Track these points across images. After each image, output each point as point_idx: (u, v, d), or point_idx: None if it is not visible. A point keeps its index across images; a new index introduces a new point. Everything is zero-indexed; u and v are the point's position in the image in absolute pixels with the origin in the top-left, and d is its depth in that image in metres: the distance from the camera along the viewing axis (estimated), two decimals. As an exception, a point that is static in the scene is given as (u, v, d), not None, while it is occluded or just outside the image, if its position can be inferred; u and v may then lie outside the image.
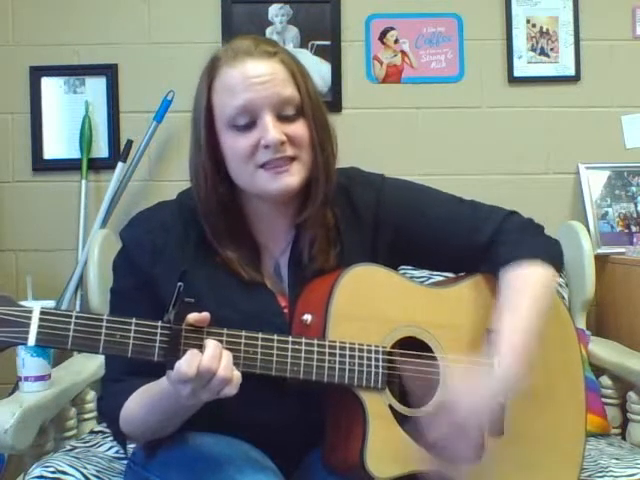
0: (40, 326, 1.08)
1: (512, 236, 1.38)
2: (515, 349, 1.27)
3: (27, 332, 1.08)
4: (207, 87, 1.30)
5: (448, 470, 1.27)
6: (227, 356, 1.13)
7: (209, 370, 1.10)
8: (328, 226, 1.36)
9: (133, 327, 1.12)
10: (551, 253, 1.39)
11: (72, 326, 1.10)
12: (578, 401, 1.43)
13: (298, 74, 1.31)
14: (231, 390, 1.13)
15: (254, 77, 1.26)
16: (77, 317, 1.10)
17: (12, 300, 1.10)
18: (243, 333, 1.18)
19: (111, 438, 1.76)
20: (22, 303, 1.11)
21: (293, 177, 1.28)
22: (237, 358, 1.16)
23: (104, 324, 1.11)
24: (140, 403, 1.26)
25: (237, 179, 1.31)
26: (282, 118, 1.28)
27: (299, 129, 1.29)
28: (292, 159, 1.28)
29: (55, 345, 1.11)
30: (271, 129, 1.25)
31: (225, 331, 1.17)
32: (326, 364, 1.22)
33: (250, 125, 1.27)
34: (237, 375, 1.13)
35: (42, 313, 1.09)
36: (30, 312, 1.09)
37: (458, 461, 1.24)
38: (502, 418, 1.34)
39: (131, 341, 1.12)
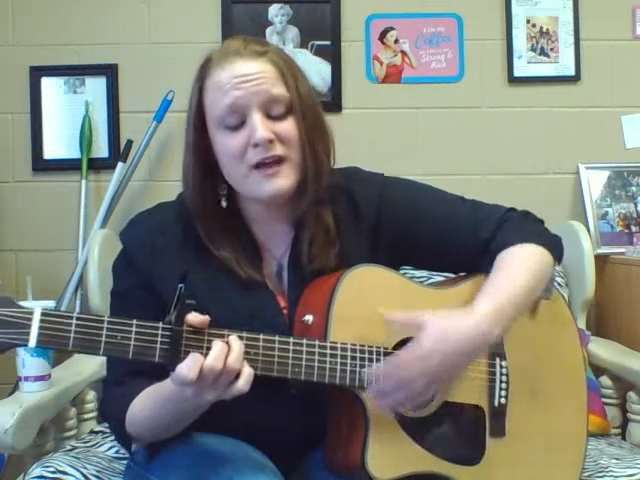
0: (41, 327, 1.08)
1: (510, 226, 1.38)
2: (494, 308, 1.25)
3: (28, 333, 1.07)
4: (199, 88, 1.31)
5: (448, 471, 1.28)
6: (237, 351, 1.12)
7: (212, 370, 1.09)
8: (327, 226, 1.36)
9: (134, 328, 1.12)
10: (548, 240, 1.38)
11: (73, 327, 1.09)
12: (580, 402, 1.43)
13: (288, 73, 1.30)
14: (242, 386, 1.12)
15: (242, 76, 1.27)
16: (78, 318, 1.10)
17: (13, 301, 1.09)
18: (244, 334, 1.18)
19: (111, 438, 1.76)
20: (22, 303, 1.11)
21: (284, 180, 1.28)
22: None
23: (105, 325, 1.11)
24: (148, 404, 1.26)
25: (230, 181, 1.32)
26: (271, 117, 1.28)
27: (288, 127, 1.29)
28: (282, 160, 1.28)
29: (56, 346, 1.11)
30: (259, 127, 1.26)
31: (226, 332, 1.16)
32: (327, 365, 1.22)
33: (240, 125, 1.27)
34: (248, 371, 1.13)
35: (43, 314, 1.08)
36: (31, 313, 1.08)
37: (413, 400, 1.22)
38: (504, 419, 1.34)
39: (132, 342, 1.12)
